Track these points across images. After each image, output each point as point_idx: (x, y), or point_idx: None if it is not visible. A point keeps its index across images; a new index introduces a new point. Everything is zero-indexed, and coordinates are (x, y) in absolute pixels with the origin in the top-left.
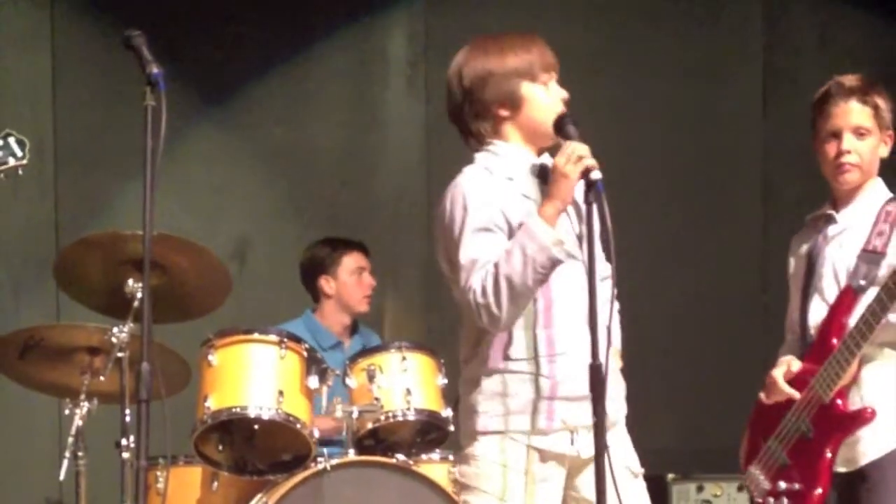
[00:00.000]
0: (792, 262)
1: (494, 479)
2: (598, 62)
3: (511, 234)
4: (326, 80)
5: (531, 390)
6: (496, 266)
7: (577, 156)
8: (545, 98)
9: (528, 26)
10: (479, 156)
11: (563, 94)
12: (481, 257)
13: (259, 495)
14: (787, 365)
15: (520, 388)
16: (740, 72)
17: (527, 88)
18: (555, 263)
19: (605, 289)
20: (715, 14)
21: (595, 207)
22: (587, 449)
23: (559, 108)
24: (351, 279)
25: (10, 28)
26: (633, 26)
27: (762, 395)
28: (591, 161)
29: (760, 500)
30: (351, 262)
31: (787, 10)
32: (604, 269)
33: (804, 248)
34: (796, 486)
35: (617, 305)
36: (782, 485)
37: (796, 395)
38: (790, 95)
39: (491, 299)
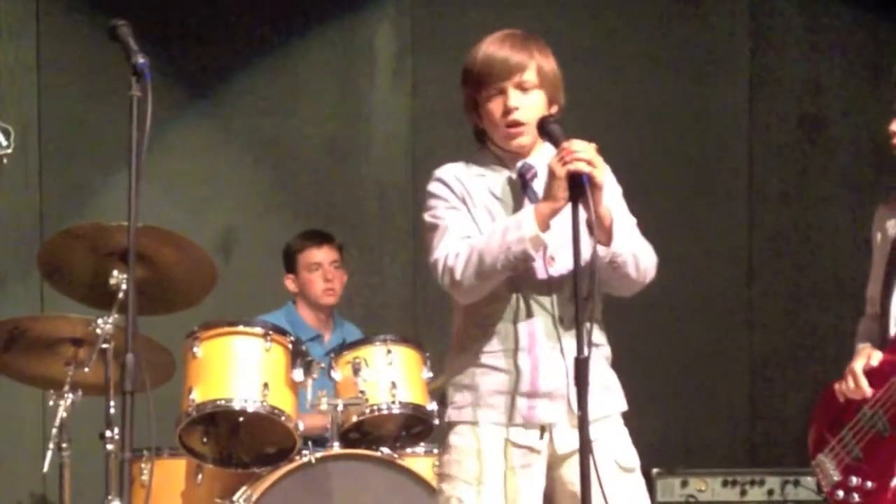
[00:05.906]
0: (878, 235)
1: (470, 466)
2: (583, 60)
3: (472, 218)
4: (313, 73)
5: (506, 386)
6: (475, 239)
7: (571, 156)
8: (491, 116)
9: (514, 22)
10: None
11: (509, 102)
12: (457, 228)
13: (243, 488)
14: (867, 357)
15: (494, 382)
16: (727, 68)
17: (482, 111)
18: (527, 259)
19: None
20: (701, 11)
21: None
22: (564, 444)
23: (503, 121)
24: (309, 275)
25: None
26: (619, 24)
27: (837, 386)
28: (583, 160)
29: (828, 490)
30: (305, 258)
31: (773, 6)
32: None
33: (891, 226)
34: (869, 484)
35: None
36: (854, 480)
37: (868, 394)
38: (777, 92)
39: (459, 264)
